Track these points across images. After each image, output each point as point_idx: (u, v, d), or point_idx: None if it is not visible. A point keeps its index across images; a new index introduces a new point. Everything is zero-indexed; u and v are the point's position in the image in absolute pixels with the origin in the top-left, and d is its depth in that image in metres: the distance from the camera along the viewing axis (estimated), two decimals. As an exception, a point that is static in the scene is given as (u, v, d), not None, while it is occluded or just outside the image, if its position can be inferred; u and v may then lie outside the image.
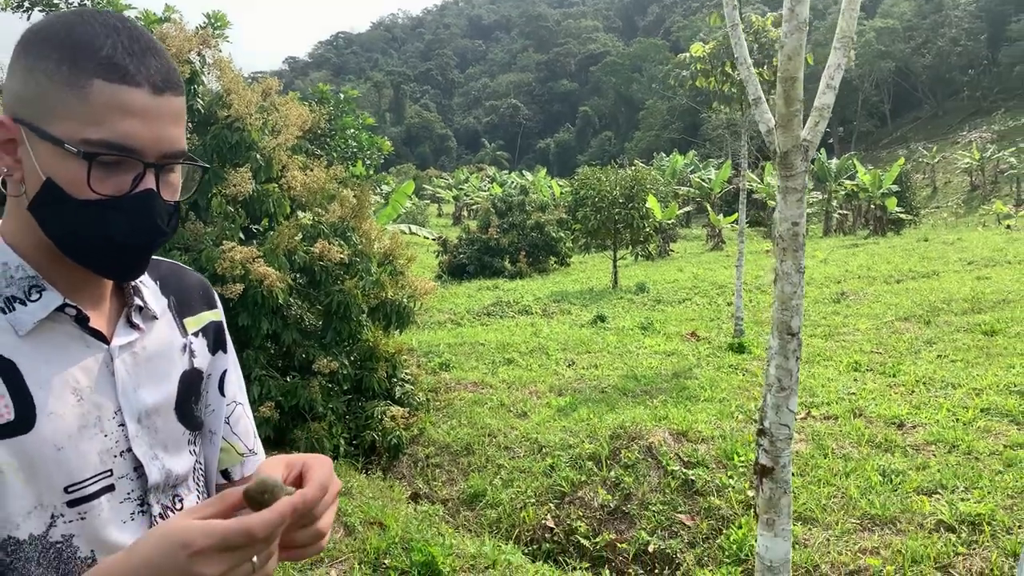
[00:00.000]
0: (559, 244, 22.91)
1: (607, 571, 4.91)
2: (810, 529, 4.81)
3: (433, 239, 21.99)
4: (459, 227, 30.20)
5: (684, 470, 5.75)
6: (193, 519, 0.86)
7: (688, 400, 7.60)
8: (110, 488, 1.02)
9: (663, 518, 5.32)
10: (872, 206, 30.09)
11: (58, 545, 0.97)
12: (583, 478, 5.90)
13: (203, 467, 1.21)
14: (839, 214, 32.17)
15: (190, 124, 7.50)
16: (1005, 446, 5.82)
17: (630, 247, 20.01)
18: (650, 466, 5.90)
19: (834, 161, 33.79)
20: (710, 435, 6.35)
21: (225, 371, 1.25)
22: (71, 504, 0.97)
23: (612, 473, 5.86)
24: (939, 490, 5.16)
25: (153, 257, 1.20)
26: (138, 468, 1.05)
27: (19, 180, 0.98)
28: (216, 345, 1.24)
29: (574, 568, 4.99)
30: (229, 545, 0.83)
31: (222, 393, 1.24)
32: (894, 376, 8.23)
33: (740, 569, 4.58)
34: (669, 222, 24.26)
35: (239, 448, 1.26)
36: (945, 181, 43.49)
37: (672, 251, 26.49)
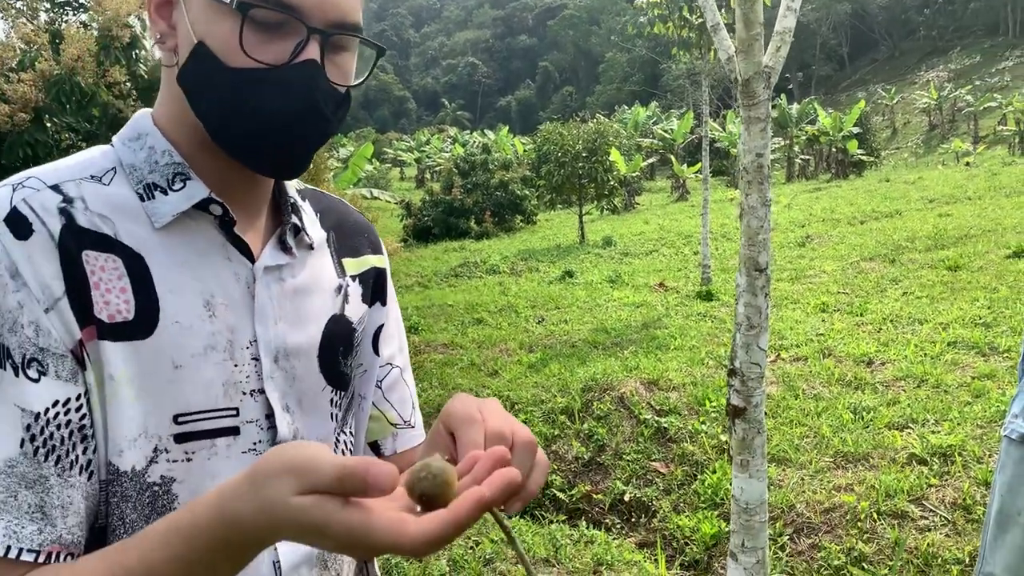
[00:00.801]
0: (524, 202, 22.74)
1: (584, 522, 4.88)
2: (784, 470, 4.81)
3: (396, 203, 21.71)
4: (422, 190, 29.88)
5: (657, 418, 5.73)
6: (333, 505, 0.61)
7: (658, 349, 7.58)
8: (233, 432, 0.85)
9: (638, 467, 5.30)
10: (834, 150, 30.25)
11: (155, 488, 0.81)
12: (556, 432, 5.86)
13: (351, 439, 1.03)
14: (801, 159, 32.32)
15: (133, 92, 7.22)
16: (973, 378, 5.87)
17: (595, 202, 19.93)
18: (623, 416, 5.87)
19: (794, 106, 33.87)
20: (681, 383, 6.33)
21: (382, 326, 1.06)
22: (179, 439, 0.82)
23: (585, 426, 5.82)
24: (910, 424, 5.19)
25: (316, 189, 1.06)
26: (270, 418, 0.89)
27: (172, 48, 0.85)
28: (375, 295, 1.06)
29: (551, 521, 4.96)
30: (372, 552, 0.59)
31: (376, 352, 1.05)
32: (861, 315, 8.28)
33: (716, 513, 4.58)
34: (633, 175, 24.18)
35: (391, 418, 1.07)
36: (904, 122, 43.85)
37: (637, 204, 26.47)
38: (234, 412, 0.86)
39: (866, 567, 3.79)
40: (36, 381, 0.75)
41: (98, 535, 0.80)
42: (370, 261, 1.06)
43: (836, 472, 4.70)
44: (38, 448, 0.74)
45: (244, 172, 0.87)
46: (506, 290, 12.10)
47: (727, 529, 4.20)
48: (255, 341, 0.88)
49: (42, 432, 0.74)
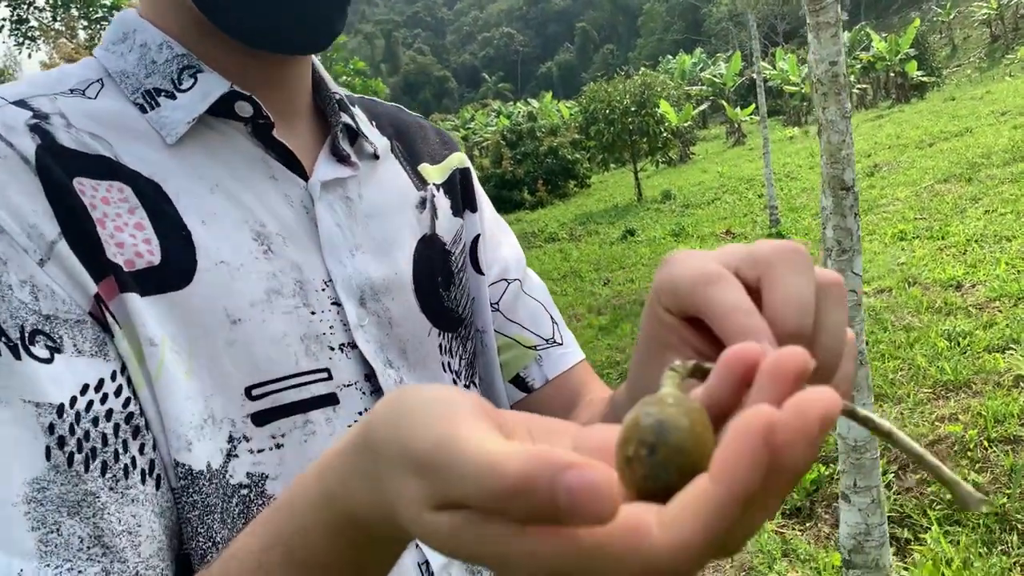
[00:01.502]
0: (576, 166, 22.46)
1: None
2: (881, 405, 4.59)
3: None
4: (472, 167, 29.77)
5: (740, 366, 5.55)
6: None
7: (732, 297, 7.37)
8: (331, 401, 0.65)
9: (725, 418, 5.14)
10: (892, 74, 29.04)
11: (243, 492, 0.60)
12: (636, 391, 5.73)
13: (478, 391, 0.81)
14: (858, 89, 31.13)
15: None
16: (1075, 290, 5.51)
17: (649, 156, 19.54)
18: (704, 368, 5.70)
19: (846, 35, 32.60)
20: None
21: (478, 237, 0.84)
22: (259, 419, 0.61)
23: (666, 381, 5.68)
24: (1011, 345, 4.89)
25: (363, 96, 0.86)
26: (371, 379, 0.68)
27: None
28: (464, 201, 0.85)
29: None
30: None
31: (478, 269, 0.83)
32: (943, 239, 7.89)
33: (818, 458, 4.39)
34: (685, 125, 23.64)
35: (526, 340, 0.83)
36: (964, 37, 41.82)
37: (693, 154, 25.90)
38: (325, 374, 0.65)
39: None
40: (49, 362, 0.53)
41: (184, 565, 0.59)
42: (451, 162, 0.86)
43: (938, 403, 4.46)
44: (72, 455, 0.52)
45: (266, 59, 0.68)
46: (567, 256, 11.96)
47: (827, 473, 4.02)
48: (330, 281, 0.68)
49: (73, 431, 0.53)
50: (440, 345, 0.77)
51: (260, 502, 0.61)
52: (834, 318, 0.41)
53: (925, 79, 28.51)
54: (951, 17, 41.89)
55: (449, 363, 0.77)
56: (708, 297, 0.41)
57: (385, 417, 0.36)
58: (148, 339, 0.57)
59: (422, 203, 0.80)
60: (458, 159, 0.87)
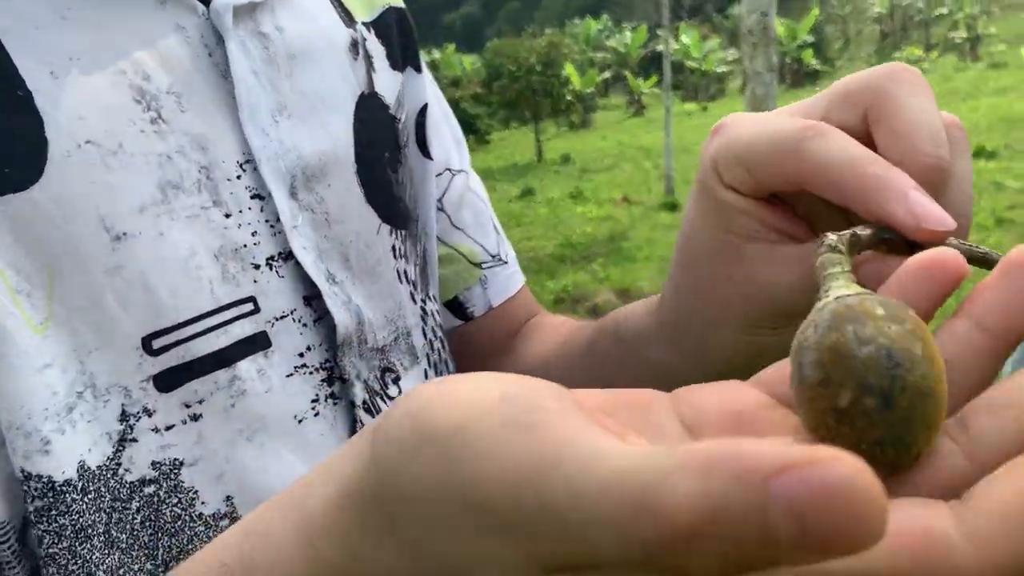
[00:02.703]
0: (477, 120, 22.19)
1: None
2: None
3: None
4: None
5: (631, 328, 5.63)
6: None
7: (626, 260, 7.53)
8: (259, 343, 0.46)
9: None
10: (788, 60, 29.98)
11: (148, 492, 0.42)
12: (528, 347, 5.74)
13: (437, 306, 0.62)
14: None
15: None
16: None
17: (552, 117, 19.54)
18: (596, 328, 5.77)
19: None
20: (652, 291, 6.19)
21: (425, 108, 0.63)
22: (163, 382, 0.43)
23: (558, 339, 5.71)
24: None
25: None
26: (312, 302, 0.49)
27: None
28: (405, 55, 0.62)
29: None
30: None
31: (425, 152, 0.63)
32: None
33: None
34: (588, 91, 23.73)
35: (471, 253, 0.65)
36: (857, 31, 43.67)
37: (593, 121, 26.07)
38: (250, 305, 0.46)
39: None
40: None
41: None
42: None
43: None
44: None
45: None
46: (465, 209, 11.86)
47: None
48: (249, 161, 0.47)
49: None
50: (394, 247, 0.57)
51: (174, 501, 0.43)
52: (962, 165, 0.30)
53: (819, 68, 29.60)
54: (846, 11, 43.60)
55: (406, 271, 0.58)
56: (807, 156, 0.30)
57: (407, 449, 0.21)
58: None
59: (354, 46, 0.56)
60: None
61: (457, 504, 0.19)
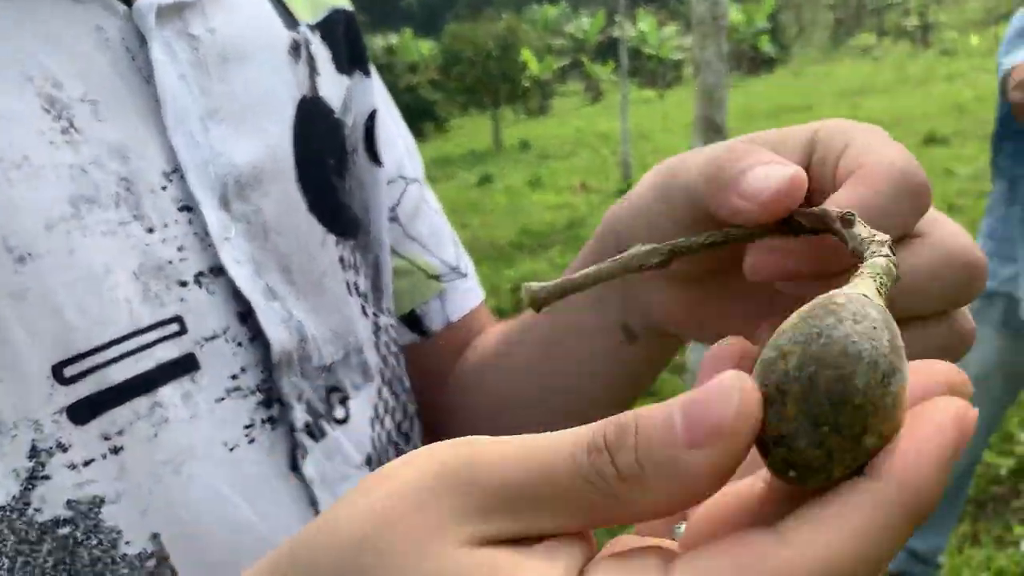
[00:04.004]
0: (435, 106, 22.06)
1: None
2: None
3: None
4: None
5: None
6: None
7: (584, 248, 7.51)
8: (188, 366, 0.43)
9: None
10: (744, 47, 30.24)
11: (64, 533, 0.38)
12: (485, 336, 5.70)
13: (392, 321, 0.59)
14: (712, 58, 32.26)
15: None
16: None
17: (510, 103, 19.50)
18: (553, 317, 5.74)
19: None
20: (611, 279, 6.23)
21: (374, 114, 0.60)
22: (77, 415, 0.39)
23: (515, 328, 5.68)
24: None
25: None
26: (246, 318, 0.46)
27: None
28: (353, 57, 0.59)
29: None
30: None
31: (375, 158, 0.59)
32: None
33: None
34: (546, 77, 23.71)
35: (428, 266, 0.62)
36: (811, 19, 44.21)
37: (551, 107, 26.06)
38: (175, 326, 0.42)
39: None
40: None
41: None
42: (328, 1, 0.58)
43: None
44: None
45: None
46: (423, 197, 11.79)
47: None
48: (176, 171, 0.44)
49: None
50: (342, 258, 0.53)
51: (94, 543, 0.38)
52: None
53: (775, 55, 29.91)
54: (801, -2, 44.09)
55: (356, 283, 0.54)
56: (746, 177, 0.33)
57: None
58: None
59: (295, 48, 0.53)
60: None
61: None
